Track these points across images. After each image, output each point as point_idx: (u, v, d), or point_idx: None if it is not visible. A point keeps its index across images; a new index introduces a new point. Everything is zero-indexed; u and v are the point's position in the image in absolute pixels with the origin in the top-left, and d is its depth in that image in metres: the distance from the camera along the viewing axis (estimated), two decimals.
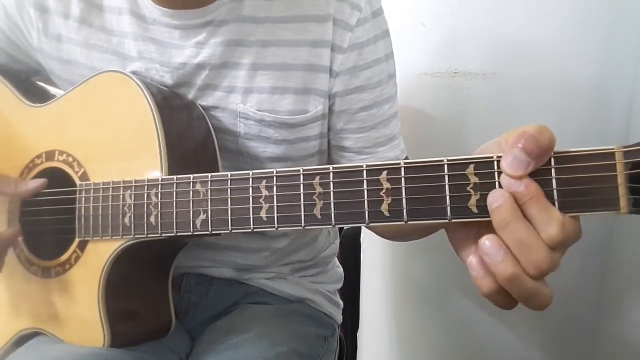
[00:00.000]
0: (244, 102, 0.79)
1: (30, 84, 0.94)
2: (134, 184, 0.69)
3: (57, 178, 0.78)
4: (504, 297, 0.48)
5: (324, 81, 0.79)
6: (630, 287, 1.01)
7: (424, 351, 1.27)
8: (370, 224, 0.57)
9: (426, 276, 1.23)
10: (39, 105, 0.83)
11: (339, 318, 1.03)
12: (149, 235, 0.68)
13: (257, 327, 0.83)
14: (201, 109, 0.79)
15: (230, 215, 0.61)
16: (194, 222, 0.64)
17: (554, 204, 0.45)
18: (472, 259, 0.48)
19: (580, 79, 1.05)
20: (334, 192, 0.54)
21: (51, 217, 0.79)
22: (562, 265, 1.11)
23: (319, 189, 0.55)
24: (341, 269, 1.09)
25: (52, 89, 0.94)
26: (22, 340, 0.81)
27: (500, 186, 0.47)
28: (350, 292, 1.22)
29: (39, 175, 0.80)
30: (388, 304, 1.33)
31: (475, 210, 0.49)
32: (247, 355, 0.76)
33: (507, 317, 1.16)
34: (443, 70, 1.12)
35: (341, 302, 1.05)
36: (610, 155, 0.43)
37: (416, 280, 1.25)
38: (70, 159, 0.77)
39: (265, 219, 0.59)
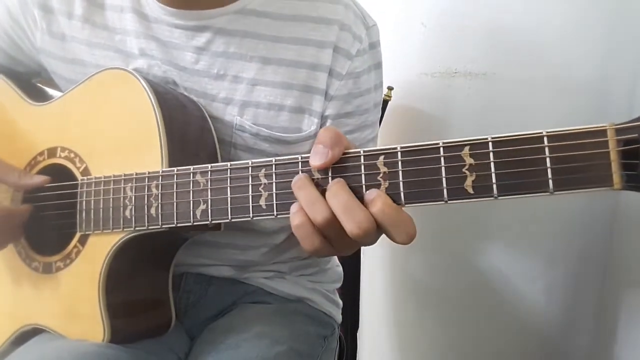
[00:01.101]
0: (240, 115, 0.80)
1: (32, 84, 0.95)
2: (135, 176, 0.70)
3: (59, 174, 0.78)
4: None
5: (319, 103, 0.81)
6: (630, 288, 1.01)
7: (423, 351, 1.26)
8: None
9: (426, 276, 1.23)
10: (42, 103, 0.84)
11: (339, 317, 1.03)
12: (149, 227, 0.68)
13: (256, 326, 0.83)
14: (200, 105, 0.80)
15: (230, 205, 0.61)
16: (194, 212, 0.64)
17: (547, 182, 0.46)
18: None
19: (580, 79, 1.05)
20: (331, 177, 0.55)
21: (52, 213, 0.79)
22: (563, 264, 1.11)
23: (317, 176, 0.56)
24: (341, 268, 1.08)
25: (51, 91, 0.95)
26: (23, 336, 0.81)
27: (495, 167, 0.48)
28: (350, 292, 1.21)
29: (41, 171, 0.81)
30: (388, 304, 1.33)
31: (471, 191, 0.49)
32: (247, 355, 0.76)
33: (506, 316, 1.15)
34: (443, 70, 1.12)
35: (340, 302, 1.05)
36: (602, 132, 0.44)
37: (416, 280, 1.25)
38: (72, 155, 0.78)
39: (264, 207, 0.59)
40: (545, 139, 0.46)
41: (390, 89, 1.13)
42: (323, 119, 0.83)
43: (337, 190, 0.54)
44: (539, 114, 1.07)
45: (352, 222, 0.52)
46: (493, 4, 1.08)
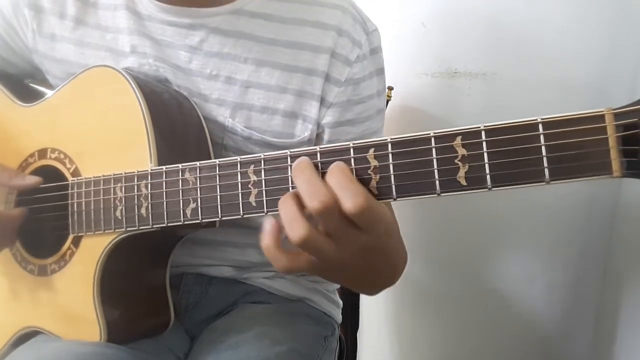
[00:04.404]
0: (232, 117, 0.79)
1: (22, 84, 0.94)
2: (124, 176, 0.68)
3: (51, 175, 0.77)
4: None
5: (314, 109, 0.80)
6: (630, 288, 1.00)
7: (423, 351, 1.26)
8: None
9: (426, 276, 1.23)
10: (30, 104, 0.83)
11: (339, 317, 1.02)
12: (140, 227, 0.67)
13: (256, 326, 0.82)
14: (191, 101, 0.79)
15: (220, 202, 0.60)
16: (184, 211, 0.63)
17: (543, 171, 0.44)
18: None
19: (580, 79, 1.05)
20: (322, 172, 0.53)
21: (45, 215, 0.78)
22: (563, 263, 1.10)
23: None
24: None
25: (44, 90, 0.94)
26: (21, 339, 0.80)
27: (488, 157, 0.46)
28: (350, 292, 1.20)
29: (33, 174, 0.80)
30: (388, 304, 1.33)
31: (464, 182, 0.47)
32: (247, 355, 0.75)
33: (505, 316, 1.15)
34: (443, 70, 1.12)
35: (340, 302, 1.04)
36: (600, 117, 0.42)
37: (416, 280, 1.24)
38: (62, 156, 0.77)
39: (254, 204, 0.58)
40: (540, 126, 0.44)
41: (390, 89, 1.13)
42: (320, 127, 0.81)
43: (300, 165, 0.53)
44: (539, 113, 1.06)
45: (314, 199, 0.50)
46: (493, 4, 1.08)
